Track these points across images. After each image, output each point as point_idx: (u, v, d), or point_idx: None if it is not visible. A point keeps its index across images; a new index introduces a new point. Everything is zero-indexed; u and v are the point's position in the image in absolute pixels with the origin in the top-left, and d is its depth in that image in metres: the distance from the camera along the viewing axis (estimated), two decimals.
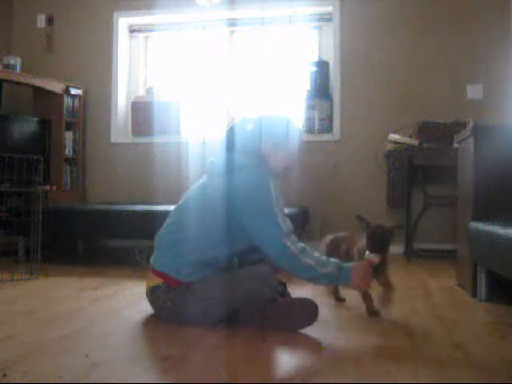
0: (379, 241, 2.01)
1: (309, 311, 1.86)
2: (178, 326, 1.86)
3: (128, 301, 2.34)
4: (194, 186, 2.06)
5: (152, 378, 1.39)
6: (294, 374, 1.46)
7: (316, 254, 1.87)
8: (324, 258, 1.88)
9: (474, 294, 2.41)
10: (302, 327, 1.84)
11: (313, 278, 1.85)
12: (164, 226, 2.03)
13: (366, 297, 2.06)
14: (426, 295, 2.51)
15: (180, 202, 2.05)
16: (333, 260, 1.89)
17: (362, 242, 2.11)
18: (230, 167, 1.94)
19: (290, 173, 2.12)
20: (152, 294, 1.96)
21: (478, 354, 1.59)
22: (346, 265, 1.89)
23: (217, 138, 2.05)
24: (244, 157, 1.96)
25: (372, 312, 2.06)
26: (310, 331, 1.83)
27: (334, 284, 2.09)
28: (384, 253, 2.01)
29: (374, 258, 1.95)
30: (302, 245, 1.85)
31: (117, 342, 1.71)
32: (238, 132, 2.03)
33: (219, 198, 1.90)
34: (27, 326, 1.89)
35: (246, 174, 1.91)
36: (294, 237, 1.86)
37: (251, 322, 1.85)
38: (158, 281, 1.92)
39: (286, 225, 1.86)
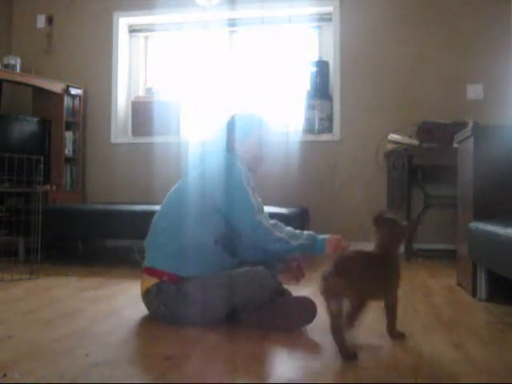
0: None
1: (307, 309, 1.87)
2: (177, 326, 1.86)
3: (128, 301, 2.33)
4: (175, 185, 2.14)
5: (152, 378, 1.39)
6: (294, 374, 1.46)
7: (289, 228, 1.99)
8: (298, 231, 1.99)
9: (473, 294, 2.41)
10: (301, 325, 1.84)
11: (286, 249, 1.96)
12: (150, 228, 2.07)
13: (336, 326, 1.51)
14: (425, 295, 2.51)
15: (163, 202, 2.12)
16: (307, 232, 2.00)
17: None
18: (202, 158, 2.08)
19: (258, 164, 2.19)
20: (145, 299, 1.98)
21: (478, 354, 1.59)
22: (322, 236, 1.98)
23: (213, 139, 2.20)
24: (215, 148, 2.09)
25: (346, 355, 1.49)
26: (310, 331, 1.83)
27: (308, 252, 2.03)
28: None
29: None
30: (274, 221, 1.98)
31: (117, 342, 1.71)
32: (215, 130, 2.19)
33: (194, 185, 2.01)
34: (27, 326, 1.89)
35: (216, 159, 2.02)
36: (266, 213, 1.98)
37: (250, 322, 1.85)
38: (148, 283, 1.94)
39: (257, 202, 1.98)
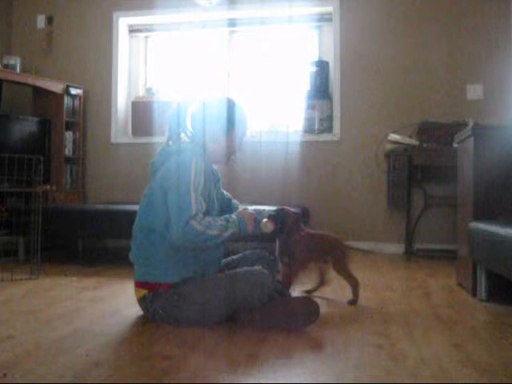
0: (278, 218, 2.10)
1: (309, 310, 1.86)
2: (177, 326, 1.86)
3: (128, 301, 2.33)
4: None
5: (152, 378, 1.39)
6: (294, 374, 1.46)
7: (220, 220, 1.89)
8: (225, 221, 1.90)
9: (474, 294, 2.41)
10: (303, 326, 1.84)
11: (220, 243, 1.91)
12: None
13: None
14: (425, 295, 2.51)
15: None
16: (231, 218, 1.92)
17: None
18: (165, 158, 1.99)
19: (230, 158, 2.11)
20: (142, 305, 1.98)
21: (478, 354, 1.59)
22: (237, 216, 1.94)
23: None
24: (179, 143, 2.00)
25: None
26: (310, 331, 1.83)
27: (239, 236, 2.00)
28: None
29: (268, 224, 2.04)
30: (207, 219, 1.85)
31: (117, 342, 1.71)
32: (179, 116, 2.05)
33: (156, 187, 1.94)
34: (27, 326, 1.89)
35: (174, 159, 1.94)
36: (200, 215, 1.84)
37: (251, 322, 1.85)
38: (142, 292, 1.95)
39: (201, 205, 1.85)
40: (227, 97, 2.11)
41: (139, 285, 1.97)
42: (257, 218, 2.01)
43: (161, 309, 1.89)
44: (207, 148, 2.04)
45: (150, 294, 1.91)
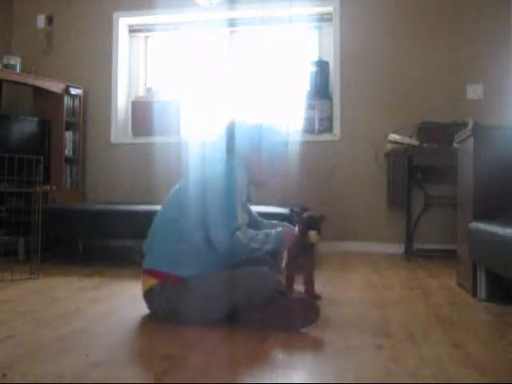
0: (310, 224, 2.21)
1: (309, 311, 1.86)
2: (177, 326, 1.86)
3: (128, 301, 2.34)
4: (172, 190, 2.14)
5: (152, 378, 1.39)
6: (294, 373, 1.46)
7: (261, 234, 2.02)
8: (265, 236, 2.02)
9: (474, 294, 2.41)
10: (303, 326, 1.84)
11: (259, 254, 2.02)
12: (148, 233, 2.09)
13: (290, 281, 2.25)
14: (425, 295, 2.51)
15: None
16: (271, 233, 2.04)
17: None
18: (203, 163, 2.08)
19: (269, 182, 2.21)
20: (147, 298, 1.98)
21: (478, 354, 1.59)
22: (279, 233, 2.06)
23: (214, 138, 2.17)
24: (219, 153, 2.08)
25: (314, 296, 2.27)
26: (310, 331, 1.83)
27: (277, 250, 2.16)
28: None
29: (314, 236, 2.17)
30: (251, 232, 1.98)
31: (117, 342, 1.71)
32: (231, 134, 2.12)
33: (189, 188, 2.02)
34: (27, 326, 1.89)
35: (215, 165, 2.02)
36: (245, 227, 1.97)
37: (251, 322, 1.86)
38: (150, 282, 1.95)
39: (242, 217, 1.97)
40: (277, 124, 2.22)
41: (149, 273, 1.97)
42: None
43: (166, 301, 1.89)
44: (251, 169, 2.10)
45: (159, 286, 1.92)
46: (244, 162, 2.07)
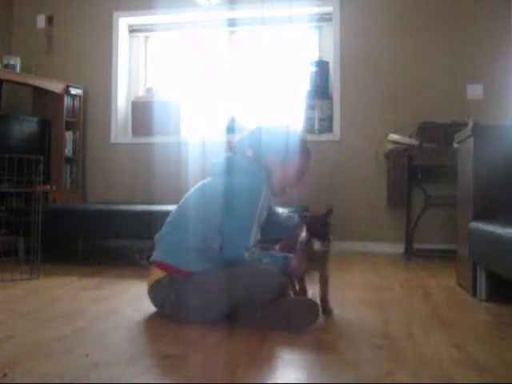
0: (318, 230, 2.01)
1: (309, 311, 1.86)
2: (178, 326, 1.86)
3: (128, 300, 2.34)
4: (195, 187, 2.15)
5: (152, 378, 1.39)
6: (294, 374, 1.46)
7: (268, 256, 1.99)
8: (272, 261, 1.97)
9: (474, 294, 2.41)
10: (302, 327, 1.84)
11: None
12: (164, 224, 2.10)
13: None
14: (425, 295, 2.51)
15: (180, 202, 2.13)
16: (278, 259, 2.00)
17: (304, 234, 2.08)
18: (231, 168, 2.06)
19: (286, 189, 2.20)
20: (155, 289, 1.98)
21: (478, 354, 1.59)
22: (284, 258, 2.01)
23: (217, 138, 2.16)
24: (247, 161, 2.08)
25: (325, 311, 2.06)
26: (310, 332, 1.83)
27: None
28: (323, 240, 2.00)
29: (318, 246, 1.99)
30: (257, 255, 1.96)
31: (117, 342, 1.71)
32: (253, 138, 2.13)
33: (216, 193, 2.01)
34: (27, 326, 1.89)
35: (244, 176, 2.02)
36: (253, 249, 1.96)
37: (251, 322, 1.86)
38: (160, 274, 1.96)
39: (255, 237, 1.98)
40: (300, 132, 2.26)
41: (159, 265, 1.98)
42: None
43: (174, 293, 1.90)
44: (271, 176, 2.10)
45: (167, 277, 1.93)
46: (267, 170, 2.08)
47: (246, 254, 1.93)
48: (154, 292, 1.99)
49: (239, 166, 2.07)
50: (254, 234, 1.98)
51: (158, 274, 1.97)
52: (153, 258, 2.04)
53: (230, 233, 1.96)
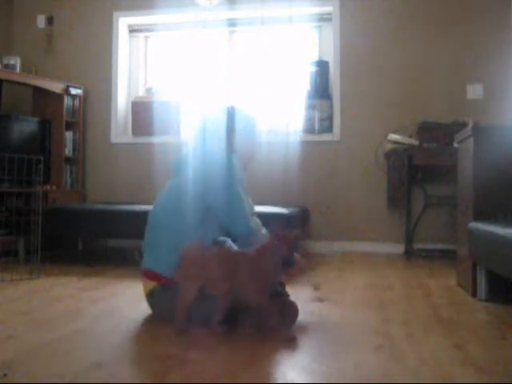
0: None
1: (288, 311, 1.87)
2: None
3: (128, 301, 2.34)
4: (164, 191, 2.11)
5: (152, 378, 1.39)
6: (294, 374, 1.46)
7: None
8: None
9: (474, 294, 2.41)
10: (282, 327, 1.80)
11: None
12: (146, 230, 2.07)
13: None
14: (425, 295, 2.51)
15: (153, 206, 2.10)
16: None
17: None
18: (197, 151, 2.08)
19: (250, 161, 2.25)
20: (150, 300, 1.99)
21: (478, 354, 1.59)
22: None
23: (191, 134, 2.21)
24: (211, 141, 2.09)
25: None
26: (310, 331, 1.83)
27: None
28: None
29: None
30: (256, 222, 2.04)
31: (117, 342, 1.71)
32: (209, 123, 2.18)
33: (190, 182, 1.99)
34: (27, 326, 1.89)
35: (212, 155, 2.02)
36: (253, 217, 2.02)
37: (251, 322, 1.85)
38: (150, 284, 1.95)
39: (248, 203, 2.03)
40: (247, 107, 2.29)
41: (147, 275, 1.96)
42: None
43: (168, 301, 1.86)
44: (239, 152, 2.12)
45: (158, 287, 1.92)
46: (229, 145, 2.11)
47: (252, 225, 1.98)
48: (150, 303, 1.99)
49: (201, 152, 2.06)
50: (247, 201, 2.01)
51: (149, 284, 1.96)
52: (142, 265, 2.01)
53: (229, 209, 1.96)
